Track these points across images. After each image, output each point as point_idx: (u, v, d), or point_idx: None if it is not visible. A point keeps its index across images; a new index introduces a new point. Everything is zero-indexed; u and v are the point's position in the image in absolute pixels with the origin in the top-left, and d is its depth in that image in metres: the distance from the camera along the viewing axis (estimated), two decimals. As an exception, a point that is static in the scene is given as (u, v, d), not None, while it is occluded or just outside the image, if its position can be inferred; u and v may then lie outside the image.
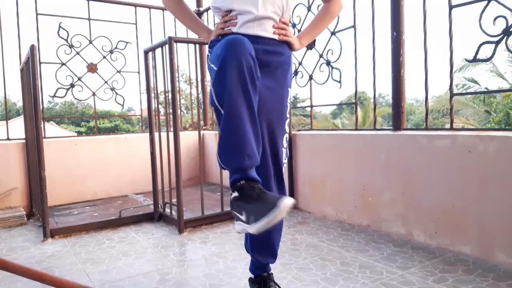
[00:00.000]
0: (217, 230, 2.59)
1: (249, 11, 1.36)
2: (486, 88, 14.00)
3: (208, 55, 1.45)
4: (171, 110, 2.60)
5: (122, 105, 3.93)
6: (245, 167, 1.16)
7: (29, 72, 2.51)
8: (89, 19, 3.64)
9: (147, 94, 2.90)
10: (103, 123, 23.67)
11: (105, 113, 19.27)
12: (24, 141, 3.29)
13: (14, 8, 3.29)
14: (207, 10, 4.26)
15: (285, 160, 1.49)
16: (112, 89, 3.80)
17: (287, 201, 1.05)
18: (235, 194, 1.17)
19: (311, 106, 3.18)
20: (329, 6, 1.55)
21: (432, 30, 2.29)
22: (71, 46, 3.57)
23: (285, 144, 1.48)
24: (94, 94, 3.71)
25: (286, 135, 1.49)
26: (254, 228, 1.09)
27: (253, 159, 1.17)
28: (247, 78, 1.16)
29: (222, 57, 1.16)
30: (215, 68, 1.24)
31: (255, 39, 1.38)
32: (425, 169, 2.15)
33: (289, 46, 1.48)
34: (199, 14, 4.30)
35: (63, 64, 3.53)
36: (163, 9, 3.97)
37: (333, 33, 2.73)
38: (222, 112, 1.18)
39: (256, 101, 1.23)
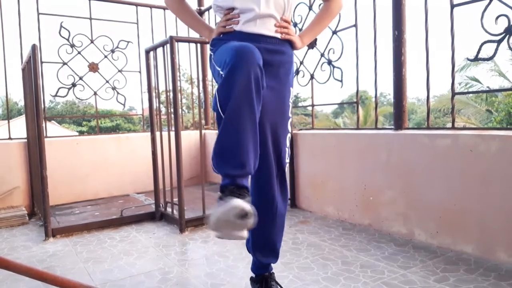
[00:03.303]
0: (218, 230, 2.58)
1: (251, 9, 1.36)
2: (488, 87, 13.98)
3: (211, 55, 1.45)
4: (172, 110, 2.60)
5: (124, 105, 3.93)
6: (236, 175, 1.16)
7: (31, 72, 2.51)
8: (90, 18, 3.64)
9: (149, 94, 2.90)
10: (104, 123, 23.70)
11: (106, 112, 19.28)
12: (25, 140, 3.29)
13: (16, 7, 3.30)
14: (208, 9, 4.26)
15: (287, 160, 1.50)
16: (114, 88, 3.80)
17: (237, 202, 1.06)
18: (220, 194, 1.18)
19: (312, 105, 3.18)
20: (329, 5, 1.55)
21: (433, 29, 2.29)
22: (72, 45, 3.57)
23: (287, 144, 1.49)
24: (95, 93, 3.71)
25: (289, 135, 1.49)
26: (209, 225, 1.10)
27: (246, 169, 1.16)
28: (253, 89, 1.16)
29: (230, 65, 1.16)
30: (221, 72, 1.24)
31: (258, 38, 1.38)
32: (426, 168, 2.15)
33: (291, 44, 1.48)
34: (201, 13, 4.30)
35: (64, 63, 3.53)
36: (164, 8, 3.97)
37: (334, 32, 2.73)
38: (223, 117, 1.18)
39: (259, 110, 1.23)
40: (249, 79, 1.15)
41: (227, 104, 1.16)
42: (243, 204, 1.06)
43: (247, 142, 1.16)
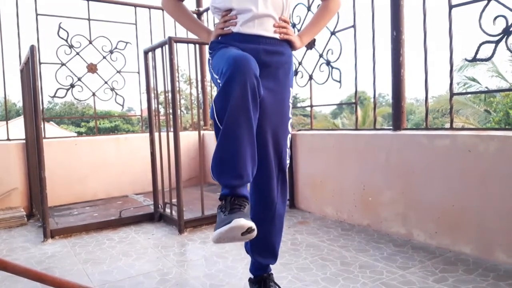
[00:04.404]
0: (217, 230, 2.58)
1: (249, 9, 1.35)
2: (486, 87, 14.00)
3: (209, 59, 1.44)
4: (171, 110, 2.60)
5: (122, 105, 3.93)
6: (234, 186, 1.18)
7: (29, 73, 2.51)
8: (89, 19, 3.64)
9: (147, 94, 2.90)
10: (103, 123, 23.64)
11: (105, 113, 19.27)
12: (24, 141, 3.29)
13: (14, 8, 3.29)
14: (207, 10, 4.26)
15: (288, 161, 1.49)
16: (112, 89, 3.80)
17: (240, 222, 1.09)
18: (221, 203, 1.22)
19: (311, 106, 3.18)
20: (328, 4, 1.55)
21: (432, 29, 2.29)
22: (71, 46, 3.56)
23: (288, 144, 1.48)
24: (94, 94, 3.71)
25: (289, 136, 1.49)
26: (212, 236, 1.14)
27: (244, 179, 1.19)
28: (249, 99, 1.17)
29: (227, 76, 1.17)
30: (218, 81, 1.25)
31: (257, 39, 1.38)
32: (425, 169, 2.15)
33: (290, 44, 1.47)
34: (199, 14, 4.30)
35: (63, 64, 3.53)
36: (163, 9, 3.95)
37: (333, 33, 2.73)
38: (221, 128, 1.19)
39: (256, 119, 1.25)
40: (245, 89, 1.16)
41: (224, 114, 1.18)
42: (245, 223, 1.09)
43: (244, 152, 1.18)
